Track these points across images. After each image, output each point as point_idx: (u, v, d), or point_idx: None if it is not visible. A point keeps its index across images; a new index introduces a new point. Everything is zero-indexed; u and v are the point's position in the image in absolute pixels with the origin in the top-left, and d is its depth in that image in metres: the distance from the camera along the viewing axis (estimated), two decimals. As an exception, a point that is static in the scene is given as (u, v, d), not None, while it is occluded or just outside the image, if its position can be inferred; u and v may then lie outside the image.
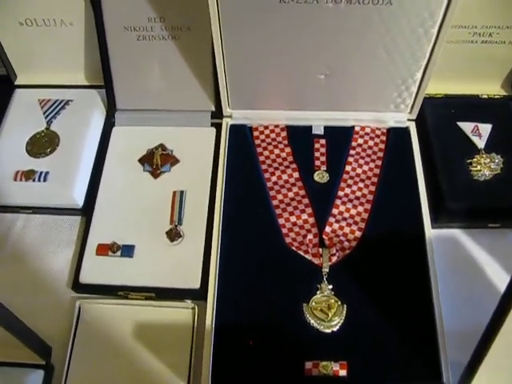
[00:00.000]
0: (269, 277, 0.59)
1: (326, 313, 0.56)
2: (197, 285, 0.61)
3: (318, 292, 0.58)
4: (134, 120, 0.72)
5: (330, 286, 0.58)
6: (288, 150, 0.69)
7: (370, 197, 0.64)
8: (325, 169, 0.67)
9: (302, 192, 0.65)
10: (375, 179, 0.66)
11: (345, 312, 0.56)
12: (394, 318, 0.55)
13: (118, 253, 0.63)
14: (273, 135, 0.70)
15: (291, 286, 0.58)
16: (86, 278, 0.62)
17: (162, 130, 0.71)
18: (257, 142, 0.69)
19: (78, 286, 0.62)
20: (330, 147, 0.69)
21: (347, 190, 0.65)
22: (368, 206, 0.64)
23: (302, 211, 0.64)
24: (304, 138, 0.69)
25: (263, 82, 0.66)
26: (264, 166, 0.67)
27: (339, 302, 0.57)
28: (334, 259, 0.60)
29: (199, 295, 0.60)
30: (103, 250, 0.63)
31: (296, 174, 0.67)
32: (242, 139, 0.69)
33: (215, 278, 0.59)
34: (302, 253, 0.61)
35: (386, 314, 0.55)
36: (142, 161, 0.70)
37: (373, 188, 0.65)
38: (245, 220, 0.63)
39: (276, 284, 0.58)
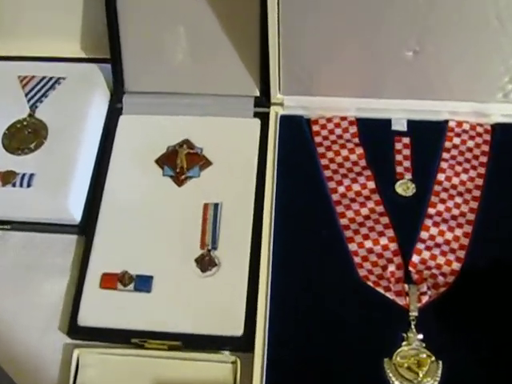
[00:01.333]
0: (337, 322, 0.63)
1: (416, 371, 0.60)
2: (239, 331, 0.64)
3: (404, 343, 0.62)
4: (150, 106, 0.76)
5: (420, 336, 0.62)
6: (360, 150, 0.73)
7: (471, 216, 0.68)
8: (410, 177, 0.71)
9: (380, 208, 0.70)
10: (477, 192, 0.70)
11: (440, 371, 0.60)
12: (506, 380, 0.59)
13: (131, 286, 0.67)
14: (339, 131, 0.75)
15: (367, 335, 0.62)
16: (86, 319, 0.65)
17: (188, 121, 0.76)
18: (317, 139, 0.74)
19: (75, 330, 0.65)
20: (416, 148, 0.72)
21: (440, 207, 0.69)
22: (468, 229, 0.68)
23: (381, 234, 0.68)
24: (381, 136, 0.73)
25: (327, 58, 0.70)
26: (328, 173, 0.72)
27: (432, 358, 0.60)
28: (425, 299, 0.64)
29: (242, 345, 0.64)
30: (110, 281, 0.67)
31: (371, 184, 0.71)
32: (297, 135, 0.74)
33: (265, 322, 0.63)
34: (381, 290, 0.65)
35: (494, 373, 0.59)
36: (160, 162, 0.75)
37: (474, 204, 0.69)
38: (303, 244, 0.67)
39: (347, 332, 0.62)
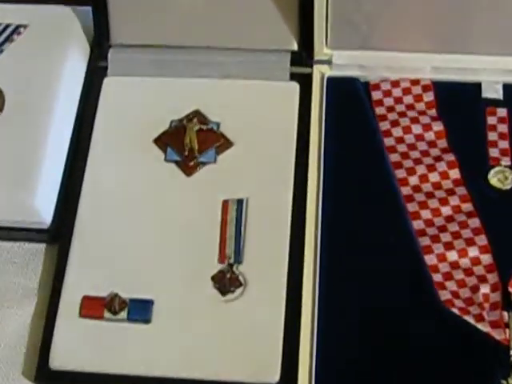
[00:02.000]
0: (411, 365, 0.61)
1: None
2: (274, 378, 0.62)
3: None
4: (145, 65, 0.77)
5: None
6: (438, 126, 0.72)
7: None
8: (508, 163, 0.70)
9: (468, 206, 0.67)
10: None
11: None
12: None
13: (123, 314, 0.65)
14: (409, 99, 0.74)
15: (453, 380, 0.60)
16: (61, 360, 0.63)
17: (200, 86, 0.75)
18: (379, 110, 0.73)
19: (45, 375, 0.63)
20: (518, 124, 0.73)
21: None
22: None
23: (470, 242, 0.66)
24: (468, 107, 0.72)
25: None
26: (394, 158, 0.71)
27: None
28: None
29: None
30: (94, 308, 0.65)
31: (455, 173, 0.69)
32: (350, 106, 0.73)
33: (310, 367, 0.61)
34: (470, 320, 0.62)
35: None
36: (161, 143, 0.73)
37: None
38: (362, 256, 0.65)
39: (425, 378, 0.60)
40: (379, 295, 0.64)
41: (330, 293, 0.65)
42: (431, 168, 0.69)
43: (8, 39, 0.76)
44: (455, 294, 0.64)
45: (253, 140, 0.73)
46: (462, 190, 0.68)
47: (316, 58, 0.73)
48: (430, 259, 0.65)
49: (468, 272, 0.65)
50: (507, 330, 0.62)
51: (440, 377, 0.61)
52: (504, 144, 0.70)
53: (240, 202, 0.69)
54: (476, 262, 0.65)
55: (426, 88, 0.73)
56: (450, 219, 0.67)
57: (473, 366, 0.61)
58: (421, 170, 0.69)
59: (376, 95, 0.73)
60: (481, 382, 0.60)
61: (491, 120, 0.71)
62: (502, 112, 0.71)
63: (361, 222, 0.67)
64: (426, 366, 0.61)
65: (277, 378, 0.62)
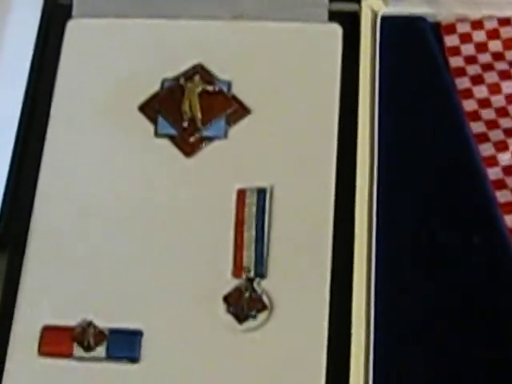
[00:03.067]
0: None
1: None
2: None
3: None
4: (122, 0, 0.77)
5: None
6: None
7: None
8: None
9: None
10: None
11: None
12: None
13: (100, 350, 0.65)
14: (496, 45, 0.75)
15: None
16: None
17: (202, 30, 0.77)
18: (455, 61, 0.75)
19: None
20: None
21: None
22: None
23: None
24: None
25: None
26: (477, 127, 0.72)
27: None
28: None
29: None
30: (58, 342, 0.65)
31: None
32: (414, 54, 0.75)
33: None
34: None
35: None
36: (150, 110, 0.74)
37: None
38: (434, 262, 0.68)
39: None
40: (461, 316, 0.66)
41: (393, 317, 0.66)
42: None
43: None
44: None
45: (277, 106, 0.74)
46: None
47: (367, -9, 0.75)
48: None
49: None
50: None
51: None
52: None
53: (261, 192, 0.71)
54: None
55: (519, 29, 0.75)
56: None
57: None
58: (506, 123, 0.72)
59: (450, 41, 0.76)
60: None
61: None
62: None
63: (431, 216, 0.69)
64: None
65: None
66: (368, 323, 0.66)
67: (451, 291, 0.68)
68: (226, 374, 0.65)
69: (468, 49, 0.75)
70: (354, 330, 0.66)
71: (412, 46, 0.75)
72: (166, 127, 0.73)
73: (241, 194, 0.70)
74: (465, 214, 0.71)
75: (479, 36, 0.76)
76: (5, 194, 0.73)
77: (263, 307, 0.66)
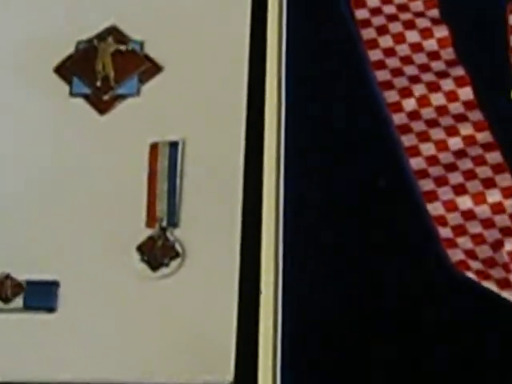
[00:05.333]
0: (414, 340, 0.63)
1: None
2: (226, 377, 0.64)
3: None
4: None
5: None
6: (442, 32, 0.74)
7: None
8: None
9: (485, 136, 0.69)
10: None
11: None
12: None
13: (18, 301, 0.66)
14: None
15: (470, 363, 0.62)
16: None
17: None
18: (360, 13, 0.75)
19: None
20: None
21: None
22: None
23: (488, 184, 0.67)
24: (482, 3, 0.74)
25: None
26: (382, 75, 0.73)
27: None
28: None
29: None
30: None
31: (466, 93, 0.71)
32: (319, 5, 0.75)
33: (274, 360, 0.62)
34: (492, 286, 0.64)
35: None
36: (65, 71, 0.75)
37: None
38: (340, 207, 0.68)
39: (435, 356, 0.62)
40: (366, 260, 0.66)
41: (300, 261, 0.66)
42: (434, 87, 0.72)
43: None
44: (470, 254, 0.65)
45: (189, 63, 0.76)
46: (476, 115, 0.71)
47: None
48: (434, 208, 0.67)
49: (487, 223, 0.66)
50: (547, 301, 0.64)
51: (453, 358, 0.62)
52: (534, 49, 0.74)
53: (174, 145, 0.72)
54: (498, 209, 0.67)
55: (423, -23, 0.76)
56: (460, 154, 0.69)
57: (495, 347, 0.62)
58: (419, 90, 0.72)
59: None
60: (509, 368, 0.61)
61: (514, 18, 0.74)
62: (529, 6, 0.75)
63: (339, 162, 0.69)
64: (433, 347, 0.63)
65: (229, 377, 0.64)
66: (277, 266, 0.66)
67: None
68: (141, 321, 0.66)
69: (373, 0, 0.75)
70: (263, 274, 0.66)
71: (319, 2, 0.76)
72: (80, 87, 0.74)
73: (153, 147, 0.72)
74: (370, 158, 0.70)
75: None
76: None
77: (176, 255, 0.68)
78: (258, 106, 0.73)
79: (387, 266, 0.66)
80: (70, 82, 0.75)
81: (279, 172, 0.70)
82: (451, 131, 0.70)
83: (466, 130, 0.70)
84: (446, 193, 0.68)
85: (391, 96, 0.72)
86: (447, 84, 0.72)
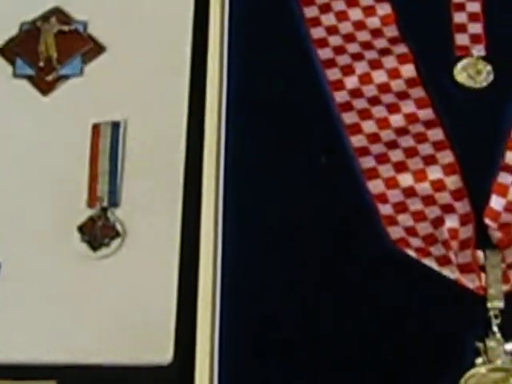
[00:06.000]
0: (352, 328, 0.63)
1: None
2: (165, 357, 0.64)
3: (480, 360, 0.61)
4: None
5: (511, 346, 0.61)
6: (385, 9, 0.75)
7: None
8: (482, 53, 0.72)
9: (427, 113, 0.70)
10: None
11: None
12: None
13: None
14: None
15: (411, 346, 0.62)
16: None
17: None
18: None
19: None
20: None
21: None
22: None
23: (430, 161, 0.68)
24: None
25: None
26: (325, 54, 0.74)
27: None
28: None
29: (172, 383, 0.64)
30: None
31: (409, 70, 0.72)
32: None
33: (212, 341, 0.63)
34: (432, 264, 0.64)
35: None
36: (8, 52, 0.76)
37: None
38: (283, 184, 0.68)
39: (372, 341, 0.63)
40: (306, 239, 0.66)
41: (242, 239, 0.67)
42: (375, 64, 0.73)
43: None
44: (411, 231, 0.66)
45: (132, 43, 0.76)
46: (418, 92, 0.71)
47: None
48: (375, 186, 0.68)
49: (428, 200, 0.67)
50: (482, 276, 0.63)
51: (391, 339, 0.62)
52: (476, 28, 0.73)
53: (115, 125, 0.72)
54: (439, 186, 0.67)
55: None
56: (402, 131, 0.70)
57: (435, 325, 0.63)
58: (361, 68, 0.73)
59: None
60: (451, 343, 0.62)
61: (456, -6, 0.75)
62: (471, -18, 0.75)
63: (282, 140, 0.70)
64: (372, 325, 0.63)
65: (169, 357, 0.64)
66: (215, 245, 0.66)
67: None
68: (82, 301, 0.67)
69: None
70: (202, 255, 0.66)
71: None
72: (23, 68, 0.75)
73: (95, 128, 0.72)
74: (309, 136, 0.70)
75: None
76: None
77: (116, 235, 0.68)
78: (200, 86, 0.73)
79: (324, 241, 0.66)
80: (13, 63, 0.75)
81: (219, 153, 0.70)
82: (393, 109, 0.71)
83: (407, 107, 0.71)
84: (386, 170, 0.68)
85: (333, 74, 0.72)
86: (390, 61, 0.72)
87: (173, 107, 0.73)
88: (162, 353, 0.64)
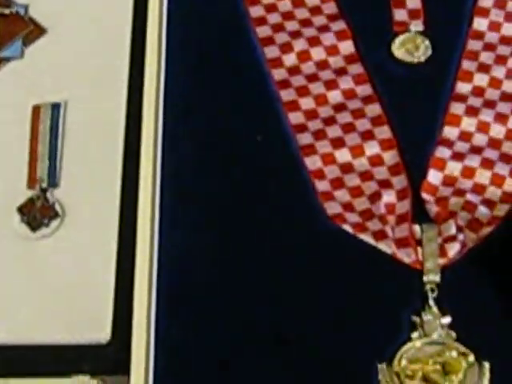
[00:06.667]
0: (288, 295, 0.63)
1: None
2: (103, 336, 0.65)
3: (416, 334, 0.61)
4: None
5: (447, 319, 0.62)
6: None
7: None
8: (419, 28, 0.73)
9: (365, 89, 0.71)
10: None
11: (487, 381, 0.60)
12: None
13: None
14: None
15: (346, 321, 0.63)
16: None
17: None
18: None
19: None
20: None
21: (480, 80, 0.70)
22: None
23: (367, 136, 0.69)
24: None
25: None
26: (264, 31, 0.74)
27: (470, 358, 0.60)
28: (454, 251, 0.64)
29: (110, 360, 0.65)
30: None
31: (347, 46, 0.73)
32: None
33: (148, 318, 0.63)
34: (369, 239, 0.65)
35: None
36: None
37: None
38: (219, 163, 0.69)
39: (307, 318, 0.63)
40: (242, 216, 0.67)
41: (179, 220, 0.67)
42: (314, 41, 0.73)
43: None
44: (348, 207, 0.66)
45: (72, 25, 0.77)
46: (356, 68, 0.72)
47: None
48: (311, 162, 0.68)
49: (365, 176, 0.68)
50: (419, 250, 0.63)
51: (328, 314, 0.63)
52: (414, 3, 0.73)
53: (55, 107, 0.73)
54: (376, 161, 0.68)
55: None
56: (340, 108, 0.70)
57: (373, 300, 0.63)
58: (299, 45, 0.73)
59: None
60: (386, 318, 0.62)
61: (396, -30, 0.74)
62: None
63: (217, 120, 0.71)
64: (308, 300, 0.63)
65: (107, 336, 0.65)
66: (152, 226, 0.67)
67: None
68: (21, 281, 0.67)
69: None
70: (139, 231, 0.67)
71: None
72: None
73: (36, 109, 0.73)
74: (249, 110, 0.71)
75: None
76: None
77: (55, 215, 0.69)
78: (139, 69, 0.73)
79: (261, 218, 0.66)
80: None
81: (157, 136, 0.70)
82: (331, 85, 0.71)
83: (346, 83, 0.71)
84: (324, 146, 0.69)
85: (272, 51, 0.73)
86: (328, 38, 0.73)
87: (112, 89, 0.73)
88: (100, 332, 0.64)
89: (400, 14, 0.73)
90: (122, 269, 0.67)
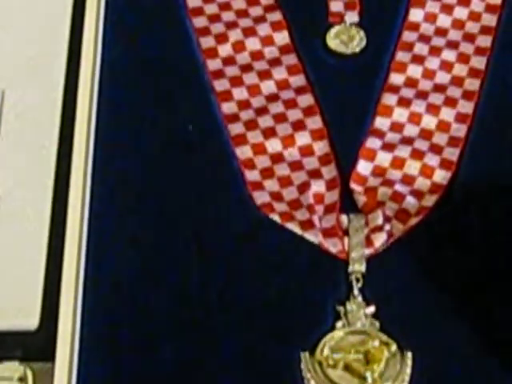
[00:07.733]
0: (215, 282, 0.64)
1: (361, 374, 0.60)
2: (31, 322, 0.65)
3: (340, 324, 0.62)
4: None
5: (371, 309, 0.62)
6: None
7: (474, 84, 0.70)
8: (355, 19, 0.73)
9: (299, 79, 0.72)
10: (486, 41, 0.72)
11: (409, 369, 0.60)
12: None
13: None
14: None
15: (271, 311, 0.63)
16: None
17: None
18: None
19: None
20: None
21: (413, 71, 0.71)
22: (467, 108, 0.69)
23: (298, 126, 0.69)
24: None
25: None
26: (200, 21, 0.74)
27: (393, 347, 0.60)
28: (381, 241, 0.64)
29: (38, 347, 0.65)
30: None
31: (282, 37, 0.74)
32: None
33: (74, 306, 0.64)
34: (296, 229, 0.65)
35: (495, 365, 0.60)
36: None
37: (480, 63, 0.71)
38: (150, 152, 0.69)
39: (232, 307, 0.63)
40: (173, 203, 0.67)
41: (107, 210, 0.68)
42: (249, 32, 0.73)
43: None
44: (276, 196, 0.67)
45: (10, 14, 0.77)
46: (291, 59, 0.73)
47: None
48: (242, 152, 0.69)
49: (295, 166, 0.68)
50: (345, 240, 0.64)
51: (252, 303, 0.63)
52: (350, -8, 0.75)
53: (-11, 95, 0.74)
54: (306, 151, 0.69)
55: None
56: (272, 98, 0.71)
57: (298, 289, 0.63)
58: (235, 35, 0.74)
59: None
60: (310, 307, 0.63)
61: (332, -39, 0.74)
62: None
63: (150, 108, 0.71)
64: (234, 287, 0.64)
65: (35, 322, 0.64)
66: (82, 215, 0.67)
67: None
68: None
69: None
70: (69, 223, 0.67)
71: None
72: None
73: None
74: (181, 104, 0.71)
75: None
76: None
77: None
78: (76, 59, 0.73)
79: (190, 207, 0.67)
80: None
81: (90, 123, 0.70)
82: (265, 75, 0.72)
83: (279, 74, 0.72)
84: (255, 136, 0.69)
85: (207, 42, 0.73)
86: (264, 29, 0.74)
87: (49, 79, 0.73)
88: (29, 318, 0.64)
89: (336, 5, 0.74)
90: (51, 257, 0.67)
